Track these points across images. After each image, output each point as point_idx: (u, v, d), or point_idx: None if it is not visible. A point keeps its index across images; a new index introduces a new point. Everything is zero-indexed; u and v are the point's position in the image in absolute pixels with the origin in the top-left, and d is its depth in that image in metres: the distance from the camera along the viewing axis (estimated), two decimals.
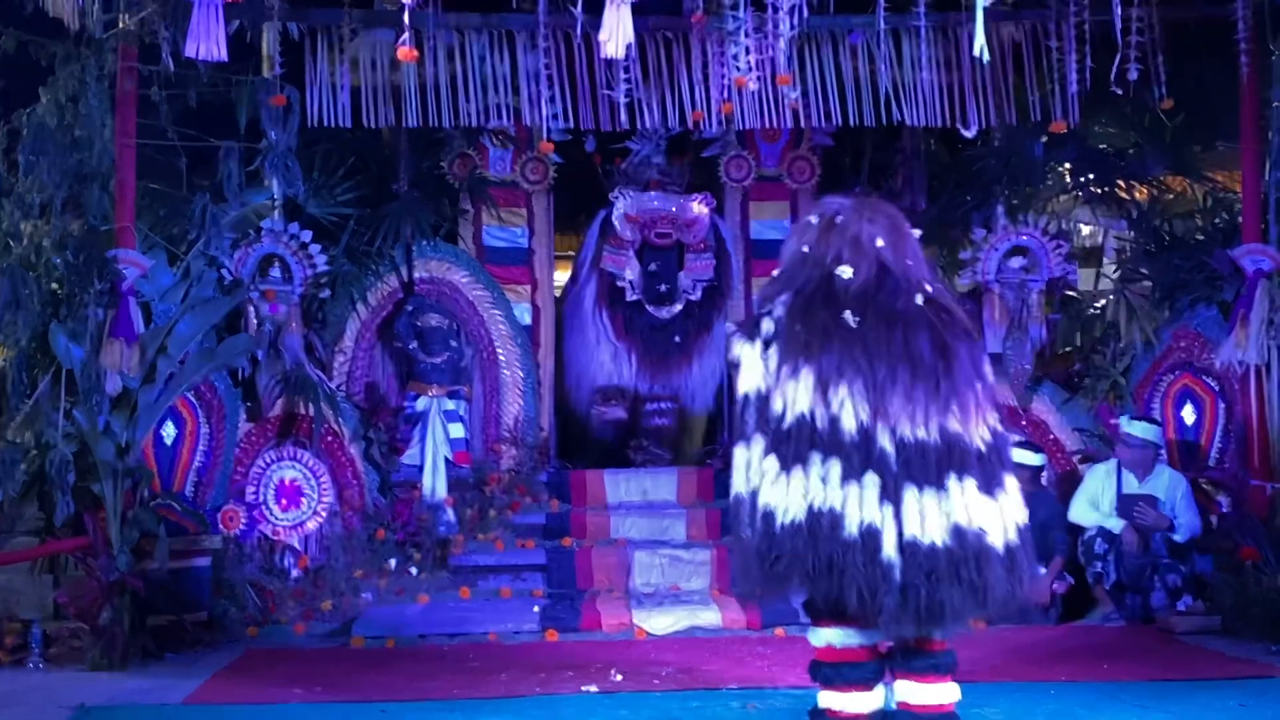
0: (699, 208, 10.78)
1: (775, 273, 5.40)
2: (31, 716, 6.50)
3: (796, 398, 4.94)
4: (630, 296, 10.87)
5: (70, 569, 8.59)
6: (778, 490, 4.89)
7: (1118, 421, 9.08)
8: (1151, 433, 8.88)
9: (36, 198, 8.13)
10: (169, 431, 8.94)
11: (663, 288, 10.82)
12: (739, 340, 5.15)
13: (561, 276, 11.78)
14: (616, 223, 10.85)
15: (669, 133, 10.86)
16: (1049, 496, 9.18)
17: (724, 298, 11.00)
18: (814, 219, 5.36)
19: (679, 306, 10.96)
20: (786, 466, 4.90)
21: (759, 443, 4.99)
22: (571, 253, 11.94)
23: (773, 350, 5.05)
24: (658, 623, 8.45)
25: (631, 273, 10.87)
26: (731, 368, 5.29)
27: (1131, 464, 8.83)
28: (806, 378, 4.94)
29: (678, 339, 10.95)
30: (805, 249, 5.27)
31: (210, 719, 6.48)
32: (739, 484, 5.01)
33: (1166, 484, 8.82)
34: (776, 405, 4.98)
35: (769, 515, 4.88)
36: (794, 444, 4.91)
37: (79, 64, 8.19)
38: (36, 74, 8.40)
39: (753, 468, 4.98)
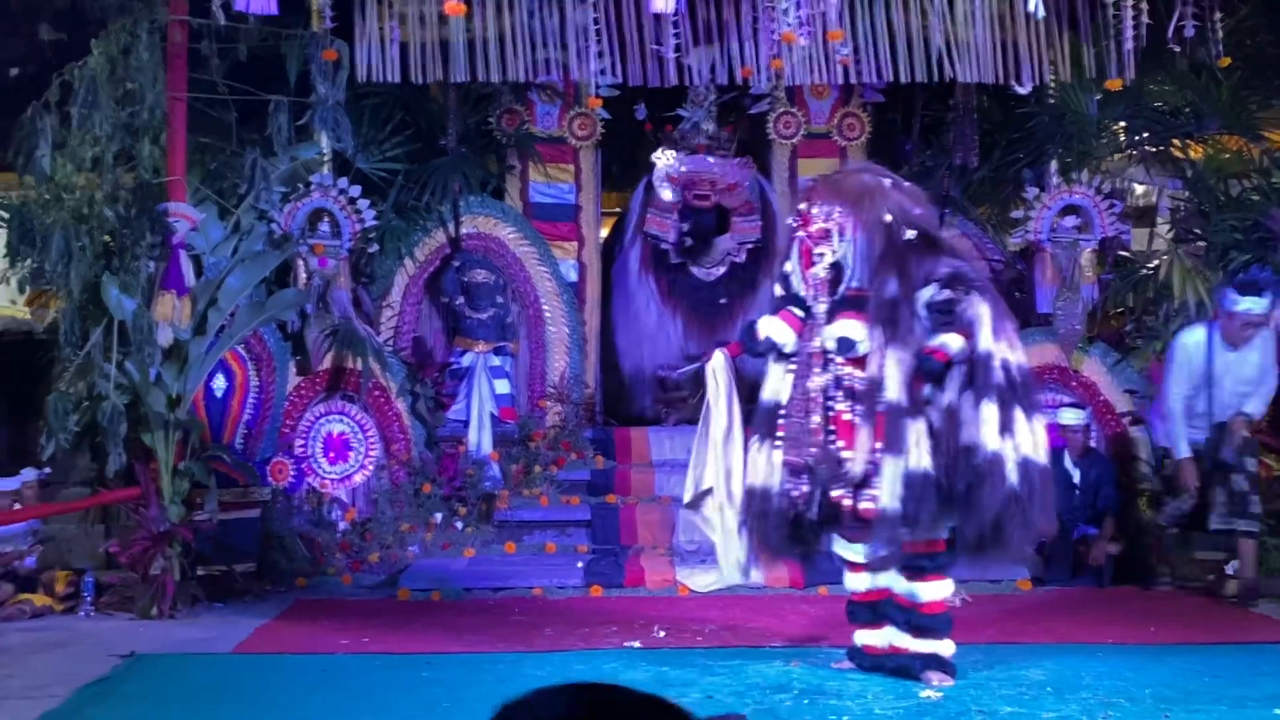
0: (739, 169, 10.73)
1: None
2: (83, 663, 6.59)
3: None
4: (674, 260, 10.86)
5: (122, 519, 8.70)
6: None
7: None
8: (1258, 305, 8.35)
9: (89, 151, 8.17)
10: (219, 384, 9.02)
11: (688, 242, 10.84)
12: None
13: (607, 234, 11.77)
14: (657, 185, 10.84)
15: (720, 98, 10.81)
16: (1100, 456, 9.11)
17: (770, 259, 10.95)
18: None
19: (723, 269, 10.92)
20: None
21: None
22: (619, 210, 11.92)
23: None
24: (701, 580, 8.47)
25: (674, 235, 10.89)
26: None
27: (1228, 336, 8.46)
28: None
29: (723, 300, 10.93)
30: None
31: (259, 668, 6.55)
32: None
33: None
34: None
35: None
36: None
37: (131, 17, 8.20)
38: (89, 27, 8.42)
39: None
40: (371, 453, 9.56)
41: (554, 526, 9.63)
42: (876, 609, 6.10)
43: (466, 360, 10.29)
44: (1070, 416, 8.84)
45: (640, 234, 10.95)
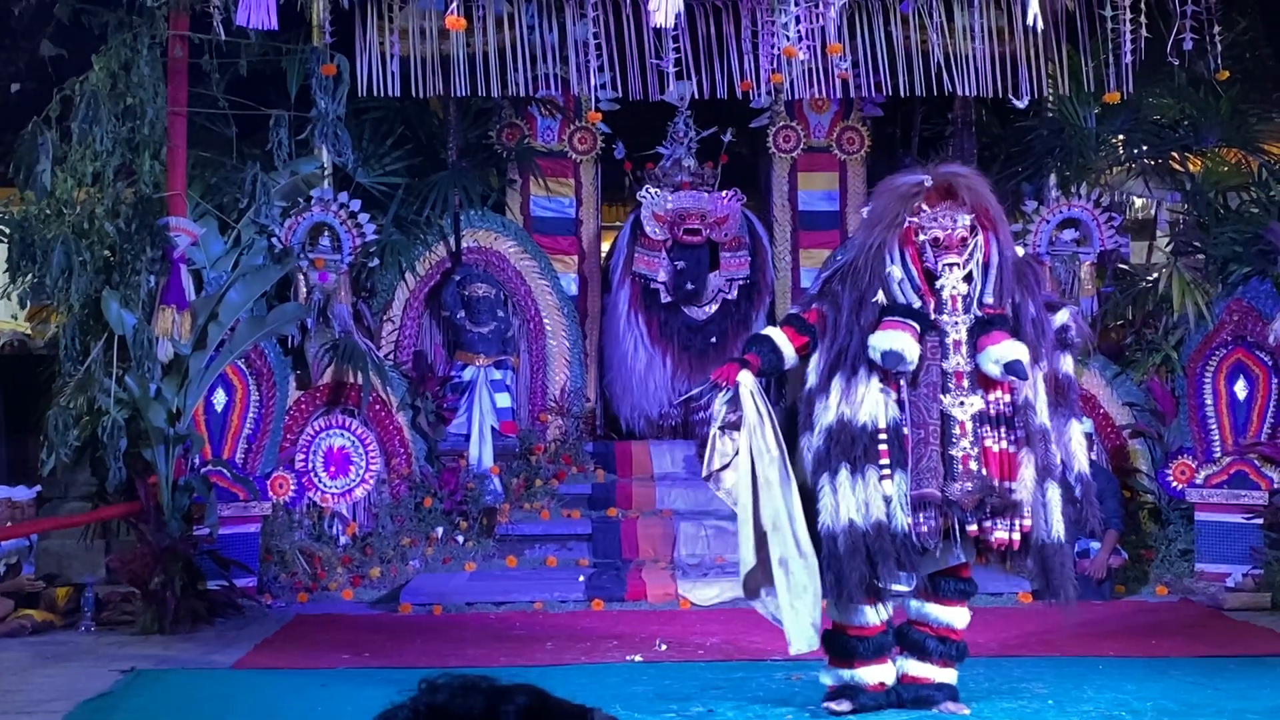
0: (728, 203, 10.68)
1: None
2: (84, 678, 6.58)
3: None
4: (664, 299, 10.73)
5: (122, 534, 8.69)
6: None
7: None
8: None
9: (89, 166, 8.18)
10: (219, 398, 9.02)
11: (689, 286, 10.59)
12: None
13: (608, 247, 11.76)
14: (645, 223, 10.74)
15: (699, 134, 10.80)
16: (1102, 470, 9.11)
17: (761, 294, 10.88)
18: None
19: (714, 307, 10.79)
20: None
21: None
22: (619, 223, 11.92)
23: None
24: (702, 594, 8.46)
25: (664, 274, 10.72)
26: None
27: None
28: None
29: (714, 340, 10.79)
30: None
31: (259, 683, 6.54)
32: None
33: None
34: None
35: None
36: None
37: (131, 32, 8.22)
38: (89, 42, 8.44)
39: None
40: (372, 467, 9.55)
41: (555, 540, 9.62)
42: (883, 643, 5.61)
43: (467, 374, 10.29)
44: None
45: (629, 274, 10.82)
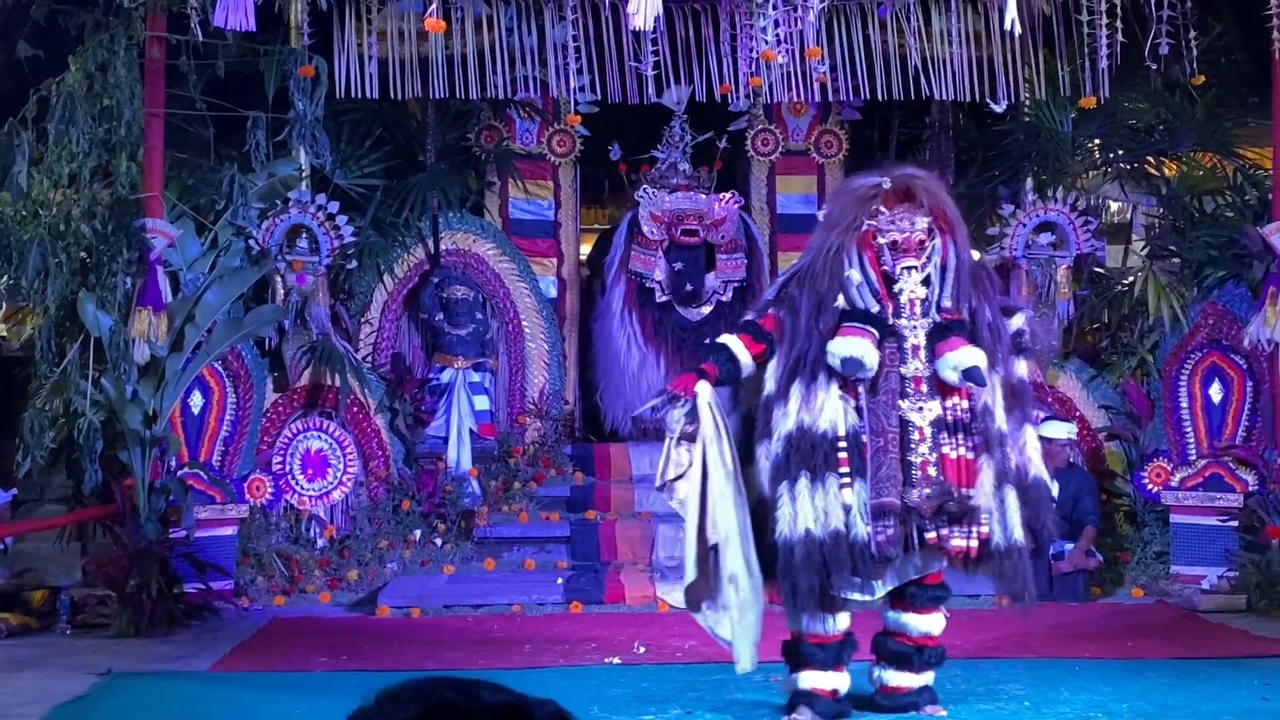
0: (726, 205, 10.67)
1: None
2: (59, 682, 6.56)
3: None
4: (659, 298, 10.70)
5: (98, 537, 8.65)
6: None
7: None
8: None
9: (66, 167, 8.14)
10: (196, 400, 8.99)
11: (689, 287, 10.56)
12: None
13: (587, 250, 11.75)
14: (643, 222, 10.72)
15: (695, 138, 10.80)
16: (1080, 470, 9.15)
17: (755, 297, 10.86)
18: None
19: (708, 308, 10.78)
20: None
21: None
22: (597, 226, 11.90)
23: None
24: (681, 597, 8.42)
25: (660, 273, 10.70)
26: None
27: None
28: None
29: (708, 341, 10.74)
30: None
31: (236, 687, 6.52)
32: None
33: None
34: None
35: None
36: None
37: (108, 33, 8.19)
38: (66, 43, 8.41)
39: None
40: (350, 469, 9.53)
41: (533, 543, 9.62)
42: (841, 652, 5.54)
43: (446, 376, 10.27)
44: (1057, 430, 8.80)
45: (624, 272, 10.80)
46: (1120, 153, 11.02)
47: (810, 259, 5.55)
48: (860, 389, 5.34)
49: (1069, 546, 8.63)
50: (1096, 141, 11.02)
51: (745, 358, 5.50)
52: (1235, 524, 8.86)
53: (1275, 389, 9.11)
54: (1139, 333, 9.96)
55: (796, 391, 5.32)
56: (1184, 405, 9.28)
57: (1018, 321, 5.55)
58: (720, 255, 10.78)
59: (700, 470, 5.35)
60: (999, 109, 9.88)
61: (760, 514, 5.39)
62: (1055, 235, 10.08)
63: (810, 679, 5.51)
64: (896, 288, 5.37)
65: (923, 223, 5.40)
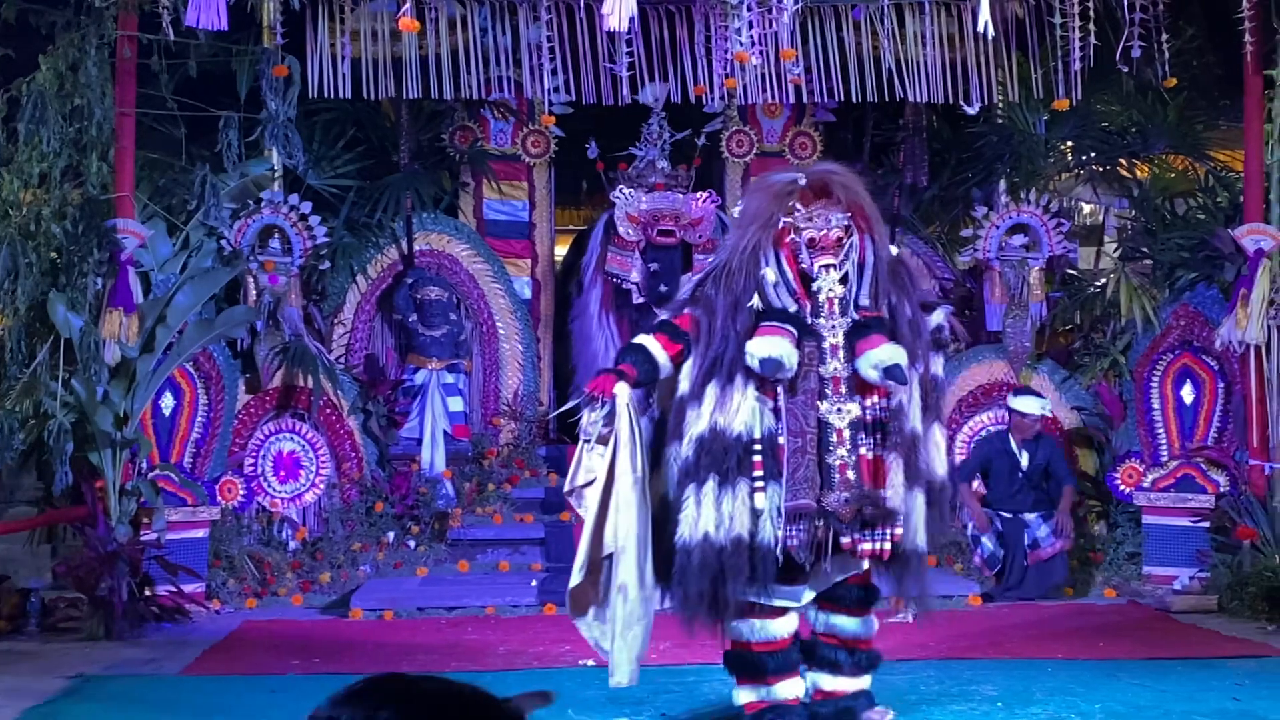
0: (703, 204, 10.67)
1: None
2: (29, 685, 6.50)
3: None
4: (636, 299, 10.65)
5: (68, 539, 8.60)
6: None
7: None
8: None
9: (36, 167, 8.09)
10: (167, 402, 8.93)
11: (664, 288, 10.45)
12: None
13: (562, 251, 11.73)
14: (618, 223, 10.70)
15: (673, 136, 10.80)
16: (1049, 439, 9.18)
17: None
18: None
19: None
20: None
21: None
22: (572, 227, 11.88)
23: None
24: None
25: (637, 275, 10.67)
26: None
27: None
28: None
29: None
30: None
31: (207, 690, 6.48)
32: None
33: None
34: None
35: None
36: None
37: (79, 32, 8.14)
38: (36, 42, 8.35)
39: None
40: (322, 471, 9.50)
41: (508, 545, 9.60)
42: (792, 657, 5.36)
43: (419, 377, 10.24)
44: (1028, 405, 8.93)
45: (601, 274, 10.77)
46: (1093, 155, 11.08)
47: (726, 257, 5.39)
48: (779, 389, 5.18)
49: (1042, 535, 8.71)
50: (1069, 144, 11.08)
51: (663, 358, 5.35)
52: (1207, 525, 8.91)
53: (1247, 390, 9.16)
54: (1111, 334, 10.01)
55: (711, 392, 5.17)
56: (1156, 406, 9.32)
57: (937, 317, 5.40)
58: (697, 255, 10.77)
59: (607, 474, 5.15)
60: (972, 111, 9.92)
61: (662, 517, 5.24)
62: (1028, 237, 10.12)
63: (771, 688, 5.33)
64: (814, 286, 5.20)
65: (840, 219, 5.23)
